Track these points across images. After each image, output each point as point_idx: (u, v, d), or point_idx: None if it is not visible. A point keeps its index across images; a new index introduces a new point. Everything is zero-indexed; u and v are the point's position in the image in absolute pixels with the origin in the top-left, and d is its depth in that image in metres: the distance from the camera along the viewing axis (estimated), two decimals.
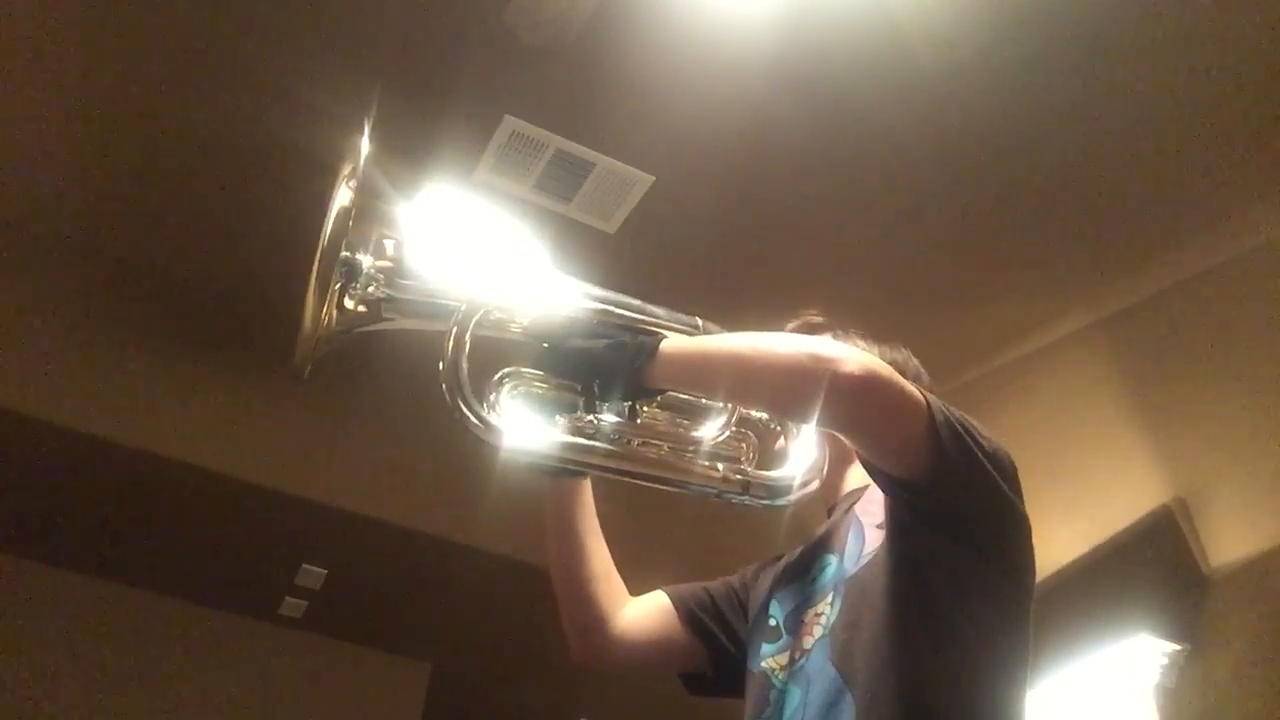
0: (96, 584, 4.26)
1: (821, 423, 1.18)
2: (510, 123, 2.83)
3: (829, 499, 1.45)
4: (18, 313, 3.41)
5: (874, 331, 1.52)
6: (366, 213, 1.23)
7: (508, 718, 5.34)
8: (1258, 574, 2.80)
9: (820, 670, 1.20)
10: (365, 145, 1.23)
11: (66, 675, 4.09)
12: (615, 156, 2.92)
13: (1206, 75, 2.45)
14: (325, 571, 4.17)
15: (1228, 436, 2.92)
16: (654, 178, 2.96)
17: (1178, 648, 2.89)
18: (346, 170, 1.27)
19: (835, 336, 1.47)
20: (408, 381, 3.30)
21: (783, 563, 1.43)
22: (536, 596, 3.85)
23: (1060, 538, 3.29)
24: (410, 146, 2.86)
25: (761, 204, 3.03)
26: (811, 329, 1.49)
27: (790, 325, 1.50)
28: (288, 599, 4.38)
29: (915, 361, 1.49)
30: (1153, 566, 3.08)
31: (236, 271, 3.48)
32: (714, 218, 3.10)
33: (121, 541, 4.08)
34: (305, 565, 4.14)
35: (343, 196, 1.25)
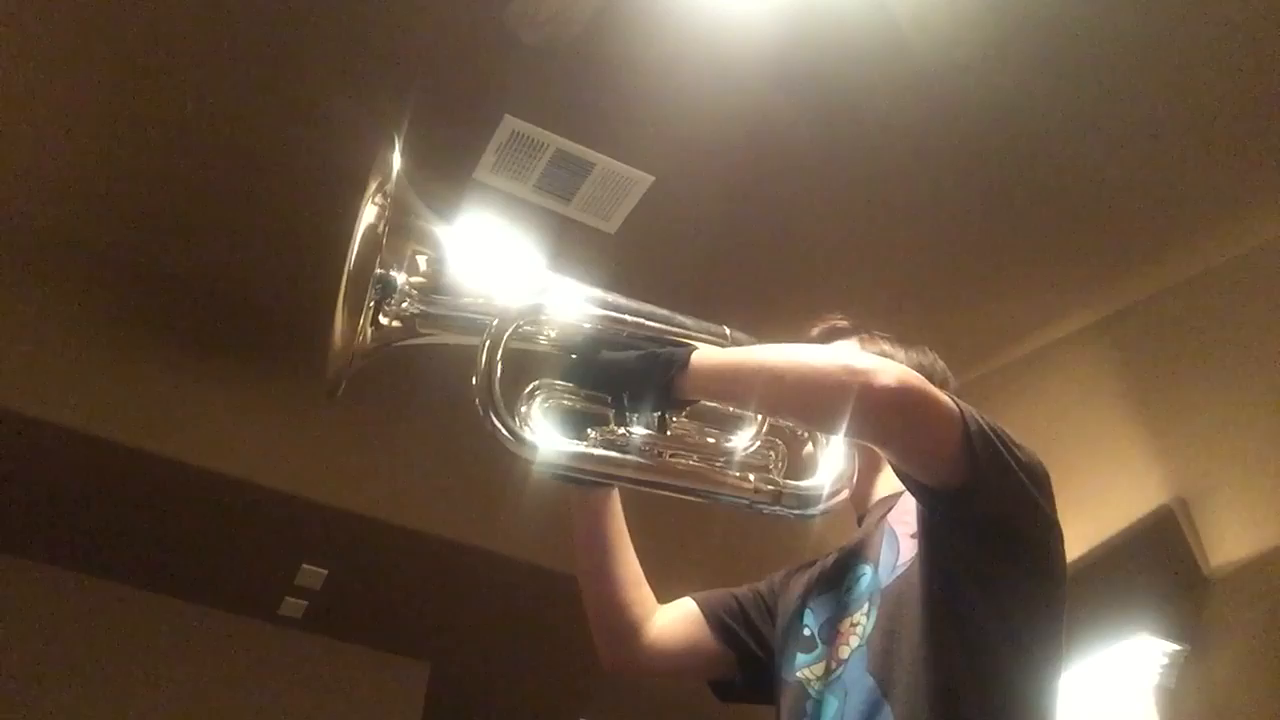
0: (96, 584, 4.26)
1: (855, 435, 1.18)
2: (510, 123, 2.83)
3: (860, 507, 1.44)
4: (22, 314, 3.41)
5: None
6: (399, 228, 1.22)
7: (508, 718, 5.34)
8: (1258, 574, 2.80)
9: (857, 681, 1.19)
10: (397, 160, 1.23)
11: (66, 675, 4.09)
12: (615, 156, 2.92)
13: (1206, 75, 2.45)
14: (325, 571, 4.17)
15: (1228, 436, 2.91)
16: (654, 178, 2.96)
17: (1178, 648, 2.88)
18: (374, 185, 1.27)
19: (861, 340, 1.47)
20: (409, 383, 3.31)
21: (815, 570, 1.42)
22: (537, 597, 3.88)
23: None
24: (410, 146, 2.86)
25: (761, 204, 3.03)
26: (836, 333, 1.48)
27: (815, 329, 1.49)
28: (288, 599, 4.38)
29: (942, 364, 1.48)
30: (1153, 566, 3.08)
31: (241, 275, 3.49)
32: (714, 218, 3.10)
33: (121, 541, 4.08)
34: (305, 565, 4.14)
35: (370, 213, 1.24)
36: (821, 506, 1.30)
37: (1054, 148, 2.70)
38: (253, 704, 4.40)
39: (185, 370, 3.59)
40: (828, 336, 1.48)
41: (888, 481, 1.39)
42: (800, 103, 2.68)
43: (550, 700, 5.07)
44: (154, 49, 2.75)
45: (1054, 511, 1.21)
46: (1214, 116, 2.54)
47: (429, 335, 1.28)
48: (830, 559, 1.40)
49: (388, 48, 2.68)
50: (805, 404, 1.20)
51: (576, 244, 3.12)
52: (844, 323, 1.49)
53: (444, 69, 2.72)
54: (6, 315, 3.39)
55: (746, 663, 1.44)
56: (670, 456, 1.28)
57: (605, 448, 1.25)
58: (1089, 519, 3.22)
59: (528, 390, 1.28)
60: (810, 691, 1.28)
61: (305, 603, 4.39)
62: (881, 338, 1.48)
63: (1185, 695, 2.88)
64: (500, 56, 2.63)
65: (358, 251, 1.25)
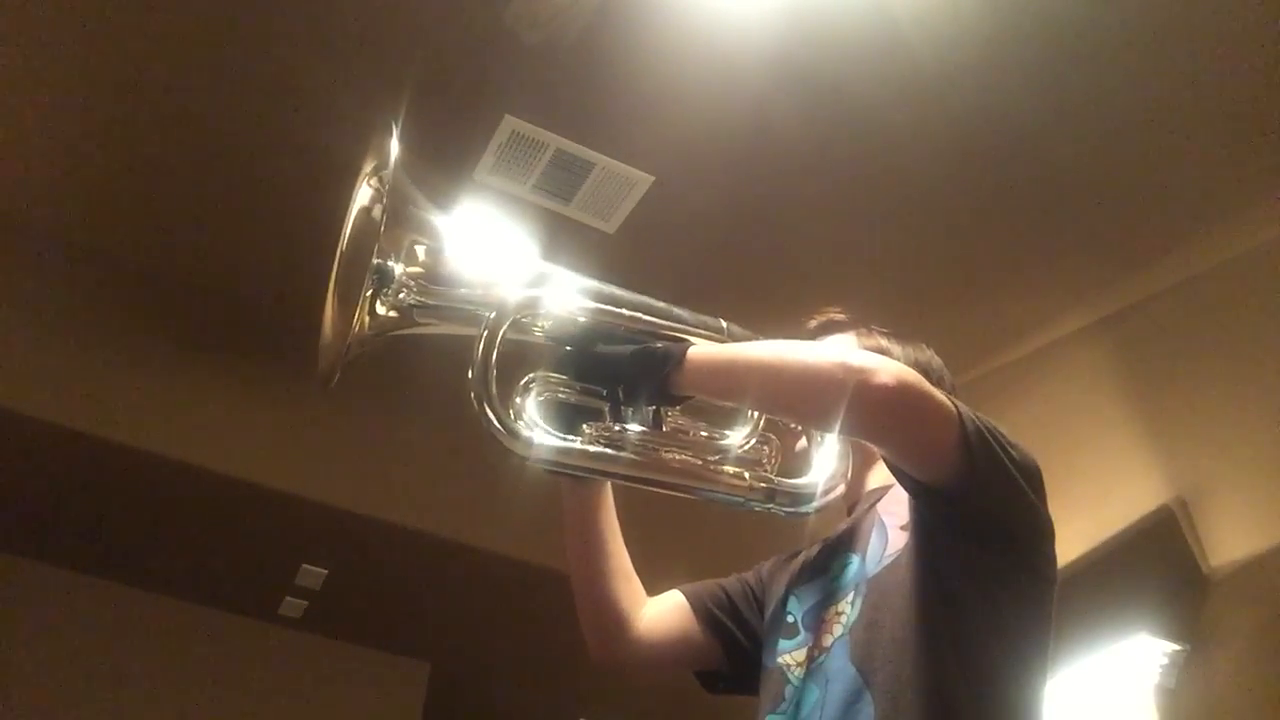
0: (96, 584, 4.26)
1: (852, 432, 1.19)
2: (510, 122, 2.83)
3: (851, 497, 1.44)
4: (19, 313, 3.41)
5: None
6: (397, 217, 1.22)
7: (508, 718, 5.34)
8: (1258, 574, 2.79)
9: (840, 670, 1.20)
10: (394, 149, 1.22)
11: (66, 675, 4.09)
12: (615, 156, 2.92)
13: (1206, 75, 2.45)
14: (325, 571, 4.17)
15: (1228, 436, 2.91)
16: (654, 178, 2.96)
17: (1178, 648, 2.88)
18: (368, 169, 1.26)
19: (858, 335, 1.47)
20: (408, 381, 3.31)
21: (801, 558, 1.42)
22: (537, 596, 3.88)
23: (1060, 538, 3.27)
24: (410, 147, 2.86)
25: (761, 204, 3.03)
26: (834, 326, 1.48)
27: (812, 323, 1.49)
28: (288, 599, 4.38)
29: (939, 361, 1.48)
30: (1153, 566, 3.07)
31: (239, 273, 3.49)
32: (714, 218, 3.10)
33: (121, 541, 4.08)
34: (305, 565, 4.14)
35: (365, 198, 1.24)
36: (815, 504, 1.30)
37: (1054, 147, 2.70)
38: (253, 704, 4.40)
39: (185, 369, 3.59)
40: (825, 330, 1.48)
41: (880, 473, 1.39)
42: (800, 102, 2.68)
43: (550, 700, 5.07)
44: (142, 41, 2.74)
45: (1046, 509, 1.22)
46: (1214, 116, 2.54)
47: (426, 326, 1.27)
48: (818, 547, 1.41)
49: (387, 45, 2.68)
50: (802, 401, 1.20)
51: (576, 244, 3.12)
52: (841, 316, 1.49)
53: (444, 69, 2.72)
54: (4, 315, 3.39)
55: (733, 653, 1.44)
56: (664, 453, 1.27)
57: (599, 444, 1.24)
58: (1089, 519, 3.22)
59: (523, 383, 1.27)
60: (791, 678, 1.28)
61: (305, 603, 4.39)
62: (879, 333, 1.48)
63: (1185, 695, 2.88)
64: (500, 56, 2.63)
65: (354, 240, 1.25)
